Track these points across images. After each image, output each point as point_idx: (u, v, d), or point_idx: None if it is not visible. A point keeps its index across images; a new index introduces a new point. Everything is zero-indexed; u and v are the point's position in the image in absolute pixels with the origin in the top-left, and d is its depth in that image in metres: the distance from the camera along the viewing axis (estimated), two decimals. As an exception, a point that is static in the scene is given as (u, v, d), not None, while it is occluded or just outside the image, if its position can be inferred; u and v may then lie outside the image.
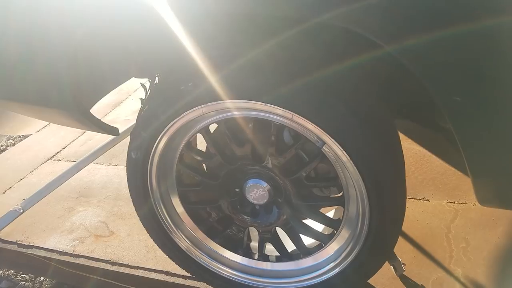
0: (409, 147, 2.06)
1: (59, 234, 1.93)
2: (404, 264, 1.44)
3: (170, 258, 1.47)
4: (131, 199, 1.41)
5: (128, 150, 1.31)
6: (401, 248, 1.54)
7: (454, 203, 1.72)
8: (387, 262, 1.41)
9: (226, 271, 1.42)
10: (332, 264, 1.26)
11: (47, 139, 2.84)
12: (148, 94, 1.33)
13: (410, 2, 0.79)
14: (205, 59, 1.11)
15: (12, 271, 2.30)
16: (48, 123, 3.08)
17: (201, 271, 1.44)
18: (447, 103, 0.80)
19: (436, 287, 1.41)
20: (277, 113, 1.09)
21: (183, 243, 1.41)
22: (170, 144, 1.27)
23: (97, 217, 1.99)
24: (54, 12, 1.07)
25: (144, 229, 1.67)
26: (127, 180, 1.36)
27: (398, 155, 1.15)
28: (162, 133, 1.22)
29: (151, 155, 1.27)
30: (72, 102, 1.23)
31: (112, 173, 2.31)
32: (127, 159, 1.32)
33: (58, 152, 2.64)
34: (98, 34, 1.13)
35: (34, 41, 1.16)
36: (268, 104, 1.06)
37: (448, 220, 1.64)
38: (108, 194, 2.14)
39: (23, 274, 2.30)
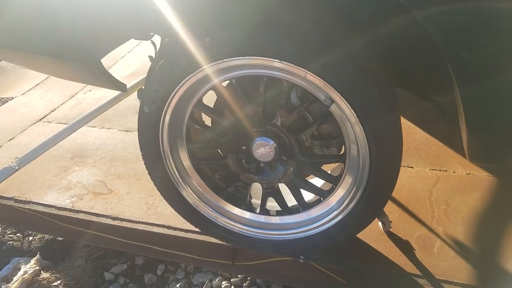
0: (395, 120, 2.18)
1: (56, 191, 1.96)
2: (391, 222, 1.57)
3: (177, 212, 1.54)
4: (140, 150, 1.44)
5: (140, 105, 1.36)
6: (389, 209, 1.67)
7: (436, 170, 1.87)
8: (376, 219, 1.54)
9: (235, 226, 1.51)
10: (334, 213, 1.36)
11: (35, 102, 2.81)
12: (160, 51, 1.37)
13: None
14: (222, 15, 1.16)
15: (0, 230, 2.31)
16: (33, 86, 3.04)
17: (207, 224, 1.52)
18: (455, 60, 0.90)
19: (419, 242, 1.55)
20: (291, 71, 1.16)
21: (191, 198, 1.48)
22: (183, 99, 1.33)
23: (94, 176, 2.02)
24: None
25: (143, 188, 1.73)
26: (138, 134, 1.40)
27: (398, 115, 1.25)
28: (177, 88, 1.27)
29: (165, 109, 1.32)
30: (88, 55, 1.26)
31: (106, 135, 2.33)
32: (139, 113, 1.37)
33: (47, 115, 2.62)
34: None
35: None
36: (284, 62, 1.14)
37: (430, 185, 1.79)
38: (104, 155, 2.17)
39: (11, 234, 2.32)
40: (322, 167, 1.43)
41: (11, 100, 2.95)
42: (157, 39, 1.50)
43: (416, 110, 2.18)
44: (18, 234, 2.31)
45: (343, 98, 1.14)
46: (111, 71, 3.18)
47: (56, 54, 1.31)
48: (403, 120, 2.18)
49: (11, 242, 2.30)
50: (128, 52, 3.36)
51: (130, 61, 3.23)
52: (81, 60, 1.28)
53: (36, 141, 2.31)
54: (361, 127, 1.17)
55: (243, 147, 1.41)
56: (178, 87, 1.26)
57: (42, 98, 2.85)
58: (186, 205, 1.49)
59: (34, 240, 2.27)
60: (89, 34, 1.25)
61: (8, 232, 2.33)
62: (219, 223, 1.50)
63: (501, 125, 0.98)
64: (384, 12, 1.07)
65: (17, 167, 1.97)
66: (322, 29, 1.12)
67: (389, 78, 1.21)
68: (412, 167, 1.90)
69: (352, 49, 1.12)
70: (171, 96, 1.29)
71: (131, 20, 1.41)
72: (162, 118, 1.34)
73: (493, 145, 1.03)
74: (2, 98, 3.29)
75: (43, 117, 2.60)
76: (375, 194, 1.28)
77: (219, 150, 1.49)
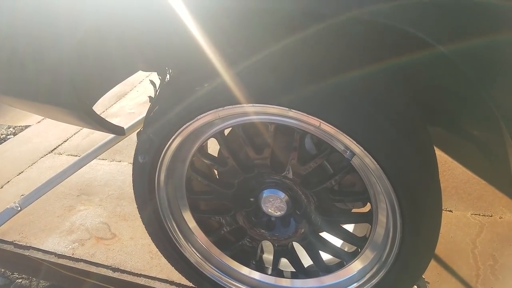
0: (429, 152, 1.94)
1: (58, 234, 1.83)
2: (428, 283, 1.34)
3: (177, 270, 1.37)
4: (135, 203, 1.30)
5: (135, 154, 1.20)
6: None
7: (479, 215, 1.61)
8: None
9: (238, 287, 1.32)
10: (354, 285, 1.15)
11: (48, 131, 2.74)
12: (158, 93, 1.22)
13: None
14: (222, 58, 1.00)
15: (9, 268, 2.22)
16: (49, 114, 2.98)
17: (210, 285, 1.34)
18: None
19: (463, 309, 1.31)
20: (303, 120, 0.97)
21: (193, 257, 1.31)
22: (181, 148, 1.16)
23: (99, 218, 1.89)
24: (61, 7, 0.96)
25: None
26: (133, 185, 1.25)
27: (434, 166, 1.04)
28: (173, 137, 1.11)
29: (160, 160, 1.16)
30: (76, 101, 1.12)
31: (116, 169, 2.20)
32: (133, 163, 1.21)
33: (59, 145, 2.53)
34: (105, 28, 1.03)
35: (37, 36, 1.05)
36: (294, 110, 0.95)
37: (473, 234, 1.54)
38: (111, 192, 2.04)
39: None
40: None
41: (26, 128, 2.89)
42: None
43: (452, 142, 1.93)
44: (26, 273, 2.22)
45: (366, 152, 0.94)
46: (128, 97, 3.10)
47: (43, 99, 1.18)
48: (440, 153, 1.94)
49: (20, 280, 2.20)
50: (147, 76, 3.27)
51: (149, 85, 3.13)
52: (69, 108, 1.15)
53: (44, 175, 2.22)
54: (391, 185, 0.96)
55: (251, 199, 1.23)
56: (173, 137, 1.10)
57: (56, 127, 2.77)
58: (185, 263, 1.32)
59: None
60: (78, 78, 1.10)
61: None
62: (222, 284, 1.32)
63: None
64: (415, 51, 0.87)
65: (19, 208, 1.85)
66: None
67: (423, 126, 1.00)
68: (451, 211, 1.65)
69: (378, 95, 0.93)
70: (167, 146, 1.13)
71: (135, 54, 1.28)
72: (158, 168, 1.17)
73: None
74: (19, 126, 3.27)
75: (55, 148, 2.51)
76: (410, 261, 1.06)
77: (224, 202, 1.31)
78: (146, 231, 1.32)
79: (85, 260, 1.67)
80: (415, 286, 1.32)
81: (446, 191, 1.74)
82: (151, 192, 1.22)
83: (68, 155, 2.41)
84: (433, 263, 1.45)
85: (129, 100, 2.95)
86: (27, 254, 1.75)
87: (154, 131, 1.12)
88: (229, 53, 1.01)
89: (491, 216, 1.61)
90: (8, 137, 3.24)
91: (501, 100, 0.77)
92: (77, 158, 2.12)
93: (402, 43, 0.85)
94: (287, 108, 0.96)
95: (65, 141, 2.58)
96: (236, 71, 0.97)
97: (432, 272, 1.42)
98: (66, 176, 1.93)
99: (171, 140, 1.12)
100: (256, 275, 1.31)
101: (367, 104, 0.91)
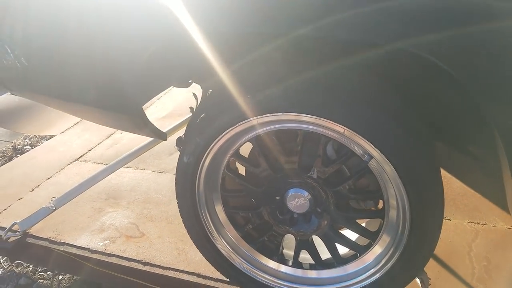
0: (429, 168, 2.14)
1: (90, 233, 1.99)
2: (430, 279, 1.51)
3: (208, 261, 1.53)
4: (176, 198, 1.46)
5: (180, 155, 1.39)
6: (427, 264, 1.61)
7: (475, 223, 1.80)
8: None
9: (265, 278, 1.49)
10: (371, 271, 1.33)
11: (72, 141, 2.92)
12: (201, 103, 1.41)
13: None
14: (265, 73, 1.20)
15: (31, 268, 2.35)
16: (72, 124, 3.17)
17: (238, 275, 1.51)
18: (502, 127, 0.89)
19: (460, 302, 1.48)
20: (330, 128, 1.17)
21: (224, 249, 1.48)
22: (221, 150, 1.35)
23: (127, 218, 2.05)
24: (136, 26, 1.16)
25: (174, 232, 1.74)
26: (176, 183, 1.43)
27: (439, 172, 1.23)
28: (216, 140, 1.30)
29: (203, 160, 1.34)
30: (131, 106, 1.31)
31: (140, 177, 2.38)
32: (178, 163, 1.39)
33: (84, 154, 2.71)
34: (168, 48, 1.22)
35: (103, 44, 1.24)
36: (323, 119, 1.15)
37: (469, 239, 1.72)
38: (137, 197, 2.21)
39: (41, 272, 2.35)
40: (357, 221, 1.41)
41: (51, 138, 3.07)
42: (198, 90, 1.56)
43: (451, 159, 2.13)
44: (48, 273, 2.35)
45: (383, 156, 1.14)
46: (147, 112, 3.30)
47: (98, 104, 1.37)
48: (438, 169, 2.14)
49: (42, 280, 2.33)
50: (164, 93, 3.47)
51: (166, 101, 3.34)
52: (124, 111, 1.34)
53: (72, 180, 2.39)
54: (402, 184, 1.15)
55: (277, 197, 1.41)
56: (217, 139, 1.29)
57: (80, 137, 2.95)
58: (217, 254, 1.49)
59: (64, 279, 2.29)
60: (134, 84, 1.30)
61: (39, 270, 2.37)
62: (252, 276, 1.48)
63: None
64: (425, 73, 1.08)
65: (54, 208, 2.02)
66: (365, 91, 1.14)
67: (431, 136, 1.20)
68: (449, 219, 1.84)
69: (396, 110, 1.13)
70: (210, 148, 1.31)
71: (174, 68, 1.47)
72: (199, 167, 1.36)
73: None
74: (37, 136, 3.44)
75: (80, 157, 2.68)
76: (416, 253, 1.24)
77: (253, 199, 1.49)
78: (184, 224, 1.49)
79: (117, 255, 1.82)
80: (419, 280, 1.50)
81: (445, 203, 1.93)
82: (192, 189, 1.40)
83: (94, 163, 2.58)
84: (434, 263, 1.63)
85: (148, 116, 3.13)
86: (62, 249, 1.90)
87: (199, 135, 1.31)
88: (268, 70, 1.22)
89: (485, 224, 1.79)
90: (25, 147, 3.41)
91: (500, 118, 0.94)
92: (103, 166, 2.31)
93: (415, 66, 1.06)
94: (316, 117, 1.16)
95: (89, 150, 2.75)
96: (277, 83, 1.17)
97: (433, 271, 1.59)
98: (98, 180, 2.12)
99: (214, 143, 1.31)
100: (282, 268, 1.48)
101: (388, 118, 1.11)
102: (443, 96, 1.14)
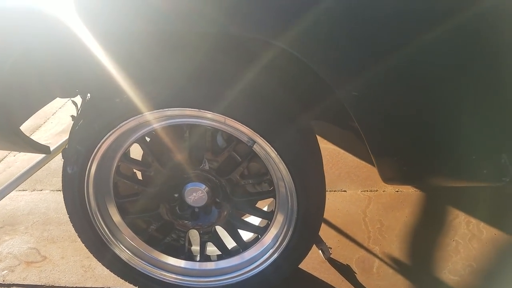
0: (326, 147, 2.29)
1: (-16, 266, 1.82)
2: (331, 248, 1.62)
3: (112, 271, 1.48)
4: (67, 212, 1.40)
5: (63, 166, 1.33)
6: (327, 235, 1.72)
7: (367, 191, 1.96)
8: (316, 248, 1.58)
9: (170, 277, 1.48)
10: (270, 252, 1.38)
11: (-44, 171, 2.63)
12: (81, 110, 1.36)
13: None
14: (140, 71, 1.19)
15: None
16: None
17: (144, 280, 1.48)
18: (348, 98, 0.98)
19: (359, 265, 1.60)
20: (212, 118, 1.20)
21: (124, 254, 1.44)
22: (107, 156, 1.31)
23: (26, 244, 1.91)
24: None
25: (78, 250, 1.67)
26: (63, 196, 1.36)
27: (316, 148, 1.32)
28: (99, 145, 1.26)
29: (88, 168, 1.30)
30: (4, 122, 1.23)
31: (38, 198, 2.22)
32: (62, 175, 1.33)
33: (-29, 183, 2.46)
34: (28, 60, 1.15)
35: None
36: (203, 110, 1.17)
37: (363, 206, 1.87)
38: (36, 219, 2.06)
39: None
40: (256, 205, 1.46)
41: None
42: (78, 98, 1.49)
43: (343, 136, 2.30)
44: None
45: (262, 138, 1.19)
46: (42, 129, 3.09)
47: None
48: (332, 147, 2.29)
49: None
50: (60, 108, 3.28)
51: (62, 116, 3.15)
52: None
53: (-41, 214, 2.16)
54: (283, 162, 1.22)
55: (176, 195, 1.41)
56: (99, 145, 1.25)
57: (-35, 166, 2.67)
58: (120, 263, 1.45)
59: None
60: (4, 102, 1.21)
61: None
62: (155, 277, 1.46)
63: (403, 151, 1.07)
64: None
65: None
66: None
67: (303, 116, 1.28)
68: (345, 191, 1.98)
69: (269, 95, 1.18)
70: (93, 155, 1.27)
71: (55, 80, 1.39)
72: (86, 176, 1.31)
73: (399, 169, 1.11)
74: None
75: (-33, 187, 2.43)
76: (307, 223, 1.32)
77: (150, 201, 1.47)
78: (80, 238, 1.43)
79: (17, 284, 1.69)
80: (320, 251, 1.60)
81: (340, 176, 2.08)
82: (81, 200, 1.34)
83: (-17, 191, 2.36)
84: (333, 233, 1.75)
85: (44, 132, 2.95)
86: (-49, 290, 1.72)
87: (80, 142, 1.26)
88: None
89: (376, 191, 1.96)
90: None
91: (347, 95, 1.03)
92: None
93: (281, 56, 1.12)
94: (196, 109, 1.18)
95: (-23, 179, 2.51)
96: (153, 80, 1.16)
97: (333, 240, 1.71)
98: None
99: (96, 149, 1.27)
100: (182, 263, 1.48)
101: (262, 103, 1.17)
102: (305, 77, 1.22)
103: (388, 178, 1.17)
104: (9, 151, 2.75)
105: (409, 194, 1.91)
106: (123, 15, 1.03)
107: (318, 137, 2.31)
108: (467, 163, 1.10)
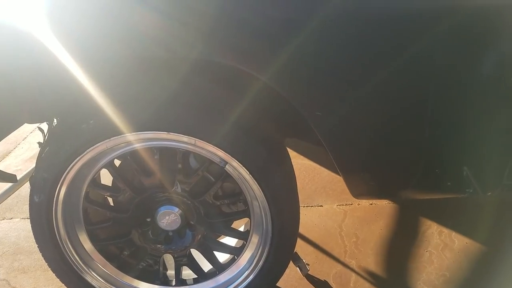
0: (302, 163, 2.31)
1: (-51, 303, 1.74)
2: (308, 264, 1.62)
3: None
4: (35, 242, 1.36)
5: (30, 194, 1.29)
6: (304, 251, 1.72)
7: (343, 205, 1.98)
8: (294, 265, 1.58)
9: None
10: (245, 273, 1.37)
11: None
12: (47, 136, 1.33)
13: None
14: (106, 97, 1.18)
15: None
16: None
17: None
18: (312, 118, 1.00)
19: (336, 280, 1.61)
20: (182, 140, 1.19)
21: (96, 282, 1.41)
22: (75, 183, 1.29)
23: (-5, 276, 1.84)
24: None
25: (51, 280, 1.62)
26: (31, 225, 1.32)
27: (289, 166, 1.33)
28: (66, 172, 1.23)
29: (55, 196, 1.27)
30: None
31: (7, 227, 2.14)
32: (29, 203, 1.30)
33: None
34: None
35: None
36: (172, 133, 1.17)
37: (339, 220, 1.89)
38: (6, 249, 1.99)
39: None
40: (231, 226, 1.45)
41: None
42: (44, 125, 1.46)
43: (318, 152, 2.32)
44: None
45: (234, 159, 1.19)
46: (12, 155, 3.01)
47: None
48: (309, 162, 2.31)
49: None
50: (31, 132, 3.20)
51: (33, 141, 3.07)
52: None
53: None
54: (254, 181, 1.22)
55: (148, 219, 1.39)
56: (66, 172, 1.22)
57: None
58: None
59: None
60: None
61: None
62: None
63: (368, 166, 1.09)
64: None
65: None
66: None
67: (274, 135, 1.29)
68: (321, 206, 1.99)
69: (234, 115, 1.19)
70: (60, 182, 1.24)
71: (22, 104, 1.36)
72: (54, 204, 1.28)
73: (366, 184, 1.13)
74: None
75: None
76: (282, 241, 1.32)
77: (123, 227, 1.45)
78: (50, 268, 1.39)
79: (-16, 319, 1.62)
80: (298, 268, 1.60)
81: (316, 191, 2.09)
82: (50, 229, 1.31)
83: (-51, 222, 2.26)
84: (311, 249, 1.75)
85: (14, 158, 2.87)
86: None
87: (46, 170, 1.23)
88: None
89: (351, 204, 1.98)
90: None
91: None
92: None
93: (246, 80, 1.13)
94: (165, 132, 1.17)
95: None
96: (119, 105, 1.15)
97: (311, 256, 1.71)
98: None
99: (63, 175, 1.24)
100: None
101: (230, 124, 1.17)
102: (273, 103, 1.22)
103: (357, 194, 1.18)
104: (-23, 179, 2.67)
105: (383, 206, 1.94)
106: (91, 41, 1.03)
107: (295, 153, 2.36)
108: (431, 177, 1.13)
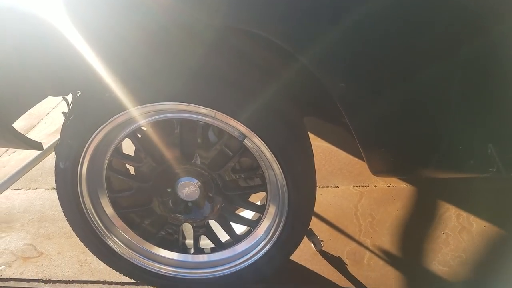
0: (319, 144, 2.31)
1: (-20, 263, 1.84)
2: (322, 241, 1.64)
3: (107, 264, 1.51)
4: (61, 207, 1.41)
5: (55, 162, 1.34)
6: (319, 228, 1.75)
7: (359, 186, 1.99)
8: (308, 241, 1.60)
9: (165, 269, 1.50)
10: (262, 243, 1.40)
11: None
12: (72, 106, 1.38)
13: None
14: (128, 67, 1.21)
15: None
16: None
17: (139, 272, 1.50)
18: (336, 90, 1.00)
19: (350, 257, 1.63)
20: (202, 112, 1.22)
21: (117, 247, 1.46)
22: (98, 151, 1.33)
23: (23, 240, 1.93)
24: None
25: (74, 246, 1.68)
26: (57, 191, 1.38)
27: (307, 142, 1.34)
28: (90, 140, 1.28)
29: (80, 163, 1.32)
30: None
31: (33, 196, 2.24)
32: (55, 170, 1.35)
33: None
34: (18, 56, 1.17)
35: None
36: (193, 104, 1.19)
37: (355, 201, 1.90)
38: (32, 217, 2.08)
39: None
40: (249, 199, 1.48)
41: None
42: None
43: (336, 134, 2.32)
44: None
45: (253, 133, 1.21)
46: (36, 129, 3.11)
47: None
48: (326, 144, 2.31)
49: None
50: (53, 108, 3.29)
51: (56, 117, 3.16)
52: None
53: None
54: (273, 156, 1.24)
55: (168, 190, 1.43)
56: (91, 139, 1.27)
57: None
58: (114, 256, 1.47)
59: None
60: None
61: None
62: (149, 269, 1.48)
63: (390, 142, 1.09)
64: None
65: None
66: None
67: (294, 111, 1.30)
68: (337, 187, 2.00)
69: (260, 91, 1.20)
70: (85, 149, 1.29)
71: (46, 78, 1.41)
72: (78, 171, 1.33)
73: (387, 161, 1.13)
74: None
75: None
76: (298, 214, 1.34)
77: (144, 195, 1.49)
78: (75, 233, 1.45)
79: (14, 278, 1.71)
80: (312, 244, 1.62)
81: (333, 173, 2.10)
82: (75, 195, 1.36)
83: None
84: (325, 227, 1.77)
85: (38, 132, 2.96)
86: None
87: (71, 137, 1.28)
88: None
89: (368, 186, 1.98)
90: None
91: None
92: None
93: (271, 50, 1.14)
94: (186, 104, 1.20)
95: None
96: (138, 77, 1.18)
97: (325, 234, 1.73)
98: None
99: (88, 143, 1.28)
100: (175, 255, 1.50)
101: (250, 98, 1.18)
102: (296, 75, 1.23)
103: (376, 170, 1.19)
104: (3, 152, 2.77)
105: (401, 188, 1.94)
106: (111, 14, 1.05)
107: (312, 135, 2.36)
108: (453, 154, 1.12)
